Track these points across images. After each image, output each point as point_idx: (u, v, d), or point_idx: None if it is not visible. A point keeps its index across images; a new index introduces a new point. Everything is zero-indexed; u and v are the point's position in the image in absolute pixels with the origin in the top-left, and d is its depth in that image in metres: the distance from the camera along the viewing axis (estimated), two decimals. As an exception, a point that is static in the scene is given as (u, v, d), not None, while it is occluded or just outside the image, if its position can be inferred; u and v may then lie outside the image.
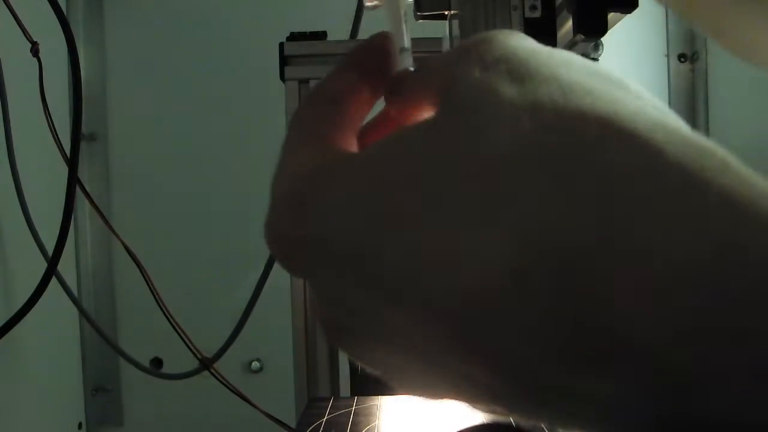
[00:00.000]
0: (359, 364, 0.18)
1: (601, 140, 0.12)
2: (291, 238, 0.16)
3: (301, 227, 0.15)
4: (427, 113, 0.17)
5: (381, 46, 0.20)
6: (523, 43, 0.15)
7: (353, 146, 0.18)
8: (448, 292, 0.12)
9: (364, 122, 0.20)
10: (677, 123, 0.13)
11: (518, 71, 0.14)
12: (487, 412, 0.16)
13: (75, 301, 0.78)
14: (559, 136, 0.12)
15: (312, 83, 0.62)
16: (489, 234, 0.12)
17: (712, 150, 0.12)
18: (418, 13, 0.21)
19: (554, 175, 0.12)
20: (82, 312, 0.80)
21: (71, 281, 0.92)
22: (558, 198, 0.12)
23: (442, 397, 0.17)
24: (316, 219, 0.15)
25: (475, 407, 0.17)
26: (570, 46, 0.22)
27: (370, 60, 0.20)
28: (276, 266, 0.68)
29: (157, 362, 0.98)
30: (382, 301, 0.14)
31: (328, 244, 0.14)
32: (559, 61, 0.14)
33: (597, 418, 0.13)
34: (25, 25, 0.64)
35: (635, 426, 0.12)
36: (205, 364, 0.73)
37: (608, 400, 0.12)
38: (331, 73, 0.20)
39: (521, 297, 0.12)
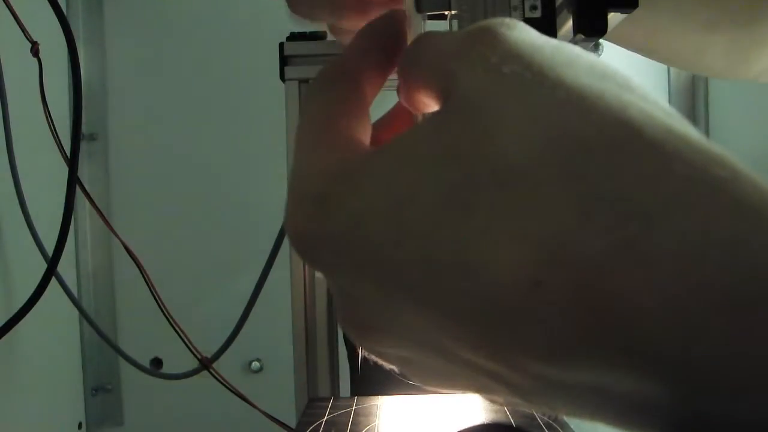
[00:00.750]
0: (374, 358, 0.18)
1: (614, 148, 0.12)
2: (314, 236, 0.16)
3: (324, 227, 0.15)
4: (431, 102, 0.17)
5: (394, 27, 0.20)
6: (525, 38, 0.15)
7: (367, 131, 0.18)
8: (469, 297, 0.13)
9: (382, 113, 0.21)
10: (684, 126, 0.13)
11: (524, 74, 0.14)
12: (505, 404, 0.17)
13: (75, 302, 0.78)
14: (571, 144, 0.12)
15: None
16: (508, 243, 0.12)
17: (722, 156, 0.12)
18: (418, 14, 0.21)
19: (569, 183, 0.12)
20: (82, 312, 0.80)
21: (71, 281, 0.92)
22: (574, 207, 0.12)
23: (461, 391, 0.17)
24: (339, 219, 0.15)
25: (493, 401, 0.17)
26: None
27: (382, 40, 0.20)
28: (276, 266, 0.68)
29: (157, 362, 0.98)
30: (402, 301, 0.14)
31: (350, 245, 0.15)
32: (565, 60, 0.14)
33: (617, 413, 0.13)
34: (25, 25, 0.64)
35: (654, 422, 0.12)
36: (205, 364, 0.73)
37: (628, 397, 0.12)
38: (343, 54, 0.20)
39: (542, 304, 0.12)
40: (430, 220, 0.13)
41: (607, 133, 0.12)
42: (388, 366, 0.18)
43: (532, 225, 0.12)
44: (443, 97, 0.15)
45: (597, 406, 0.13)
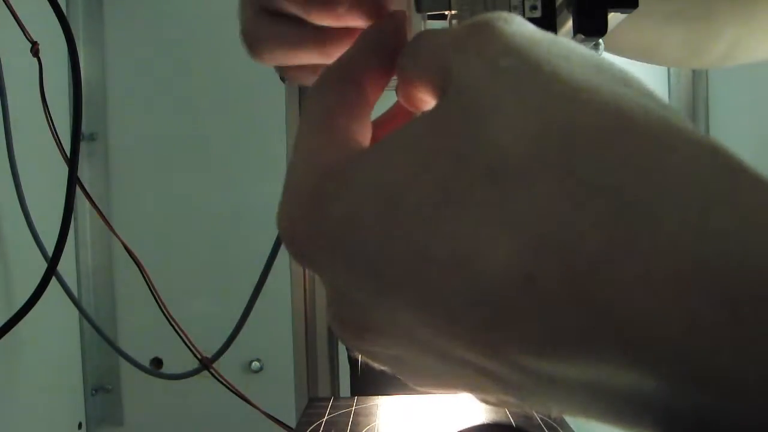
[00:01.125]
0: (366, 359, 0.18)
1: (609, 140, 0.12)
2: (306, 234, 0.15)
3: (317, 225, 0.15)
4: (428, 99, 0.17)
5: (397, 29, 0.20)
6: (523, 32, 0.15)
7: (367, 132, 0.18)
8: (461, 292, 0.12)
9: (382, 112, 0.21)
10: (680, 119, 0.13)
11: (520, 68, 0.14)
12: (497, 404, 0.17)
13: (75, 302, 0.78)
14: (566, 138, 0.12)
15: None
16: (500, 236, 0.12)
17: (719, 149, 0.12)
18: (418, 14, 0.21)
19: (563, 176, 0.12)
20: (82, 312, 0.80)
21: (71, 281, 0.92)
22: (568, 199, 0.12)
23: (454, 391, 0.17)
24: (330, 216, 0.15)
25: (485, 401, 0.17)
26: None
27: (384, 42, 0.20)
28: (276, 266, 0.68)
29: (157, 362, 0.98)
30: (395, 299, 0.14)
31: (341, 242, 0.14)
32: (561, 54, 0.14)
33: (610, 410, 0.13)
34: (25, 25, 0.64)
35: (647, 418, 0.12)
36: (205, 364, 0.73)
37: (622, 393, 0.12)
38: (344, 56, 0.20)
39: (535, 298, 0.12)
40: (422, 214, 0.13)
41: (603, 125, 0.12)
42: (379, 367, 0.18)
43: (525, 218, 0.12)
44: (440, 92, 0.15)
45: (590, 401, 0.13)
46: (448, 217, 0.13)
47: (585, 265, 0.11)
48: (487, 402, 0.17)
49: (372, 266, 0.14)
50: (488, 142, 0.13)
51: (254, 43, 0.23)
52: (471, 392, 0.16)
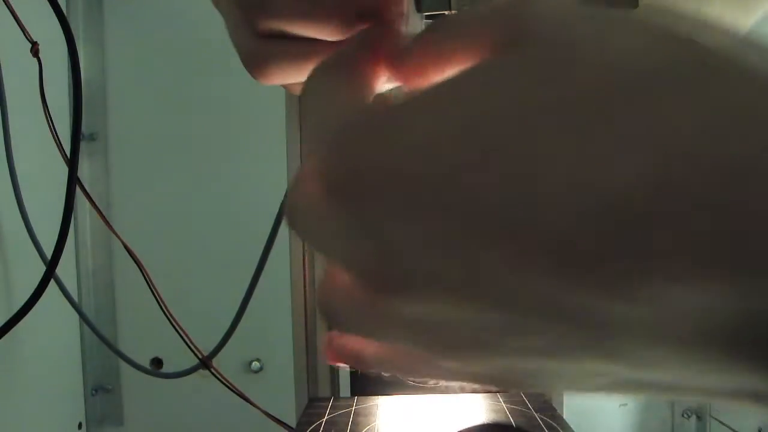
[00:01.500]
0: (378, 337, 0.17)
1: (731, 63, 0.12)
2: (367, 168, 0.14)
3: (373, 161, 0.14)
4: (470, 60, 0.16)
5: (393, 27, 0.20)
6: None
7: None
8: (582, 211, 0.12)
9: None
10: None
11: (604, 13, 0.14)
12: (522, 384, 0.16)
13: (74, 305, 0.77)
14: (681, 63, 0.12)
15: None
16: (626, 151, 0.11)
17: None
18: (419, 14, 0.21)
19: (696, 93, 0.12)
20: (81, 315, 0.80)
21: (71, 281, 0.92)
22: (707, 112, 0.11)
23: (477, 361, 0.16)
24: (392, 152, 0.14)
25: (505, 381, 0.16)
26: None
27: (380, 39, 0.20)
28: (276, 267, 0.68)
29: (157, 362, 0.98)
30: (470, 240, 0.13)
31: (412, 175, 0.13)
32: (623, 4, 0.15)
33: (704, 351, 0.12)
34: (25, 25, 0.64)
35: (747, 355, 0.12)
36: (204, 362, 0.73)
37: (734, 323, 0.11)
38: (341, 48, 0.20)
39: (672, 208, 0.11)
40: (525, 135, 0.12)
41: (703, 50, 0.12)
42: (391, 342, 0.17)
43: (658, 128, 0.11)
44: (507, 45, 0.15)
45: (692, 335, 0.12)
46: (558, 135, 0.12)
47: (726, 173, 0.11)
48: (507, 383, 0.16)
49: (443, 204, 0.13)
50: (597, 64, 0.13)
51: (264, 66, 0.23)
52: (510, 357, 0.15)
